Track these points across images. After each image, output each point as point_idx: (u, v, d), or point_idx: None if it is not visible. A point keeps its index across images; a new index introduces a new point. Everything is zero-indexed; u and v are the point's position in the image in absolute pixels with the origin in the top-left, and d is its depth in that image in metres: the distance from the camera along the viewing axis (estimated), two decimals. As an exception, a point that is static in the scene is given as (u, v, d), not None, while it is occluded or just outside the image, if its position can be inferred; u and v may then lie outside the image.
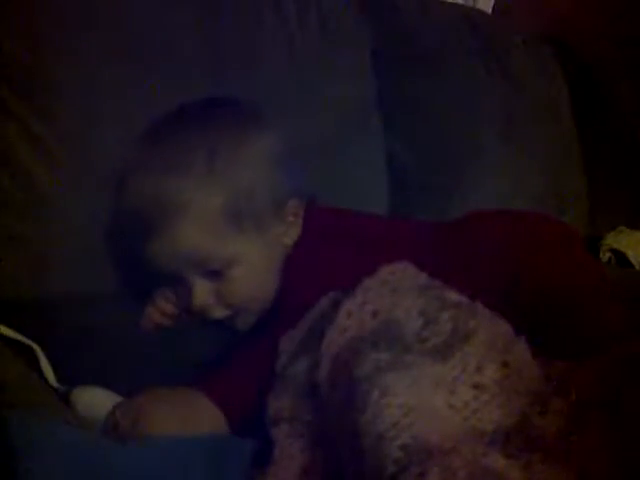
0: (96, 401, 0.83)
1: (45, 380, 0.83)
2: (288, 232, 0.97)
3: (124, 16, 1.07)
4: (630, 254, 1.53)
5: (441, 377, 0.65)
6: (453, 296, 0.73)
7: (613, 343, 0.70)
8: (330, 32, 1.34)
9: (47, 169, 0.97)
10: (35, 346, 0.83)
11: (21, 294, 0.95)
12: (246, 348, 0.90)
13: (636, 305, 0.96)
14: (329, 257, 0.94)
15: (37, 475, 0.62)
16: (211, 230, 0.89)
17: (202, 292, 0.91)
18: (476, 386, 0.66)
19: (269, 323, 0.93)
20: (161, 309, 0.96)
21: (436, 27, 1.54)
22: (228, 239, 0.90)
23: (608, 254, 1.57)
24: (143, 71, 1.06)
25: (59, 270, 0.97)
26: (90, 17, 1.03)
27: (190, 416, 0.81)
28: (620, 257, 1.56)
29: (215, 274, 0.90)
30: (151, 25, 1.09)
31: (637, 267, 1.54)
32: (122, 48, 1.05)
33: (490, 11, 2.14)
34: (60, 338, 0.89)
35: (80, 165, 0.99)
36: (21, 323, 0.85)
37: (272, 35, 1.25)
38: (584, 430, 0.60)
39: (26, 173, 0.96)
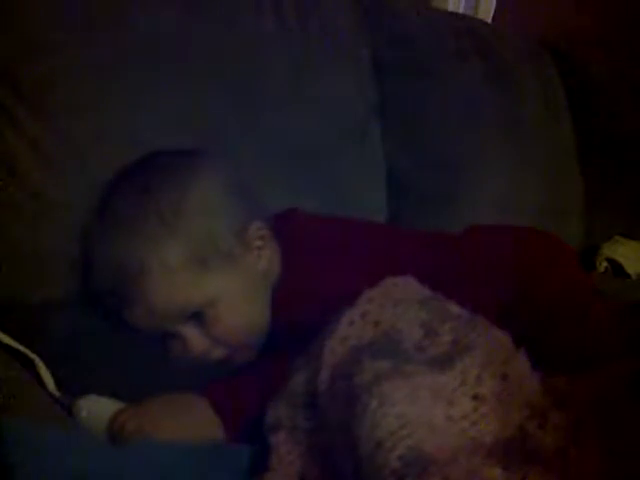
0: (101, 410, 0.82)
1: (43, 387, 0.82)
2: (261, 256, 0.97)
3: (126, 20, 1.07)
4: (626, 264, 1.54)
5: (440, 388, 0.66)
6: (454, 308, 0.73)
7: (612, 358, 0.71)
8: (330, 37, 1.34)
9: (45, 171, 0.97)
10: (34, 356, 0.82)
11: (18, 297, 0.95)
12: (252, 364, 0.92)
13: (632, 315, 0.97)
14: (321, 272, 0.94)
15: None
16: (181, 281, 0.90)
17: (196, 340, 0.92)
18: (475, 398, 0.66)
19: (274, 342, 0.94)
20: None
21: (436, 34, 1.55)
22: (200, 282, 0.91)
23: (604, 264, 1.57)
24: (143, 73, 1.06)
25: (57, 273, 0.97)
26: (92, 21, 1.04)
27: (188, 421, 0.82)
28: (616, 267, 1.57)
29: (199, 318, 0.91)
30: (150, 28, 1.09)
31: (633, 277, 1.54)
32: (123, 51, 1.05)
33: (490, 20, 2.16)
34: (58, 342, 0.89)
35: (79, 168, 0.99)
36: (18, 326, 0.85)
37: (272, 40, 1.25)
38: (582, 445, 0.60)
39: (24, 175, 0.96)
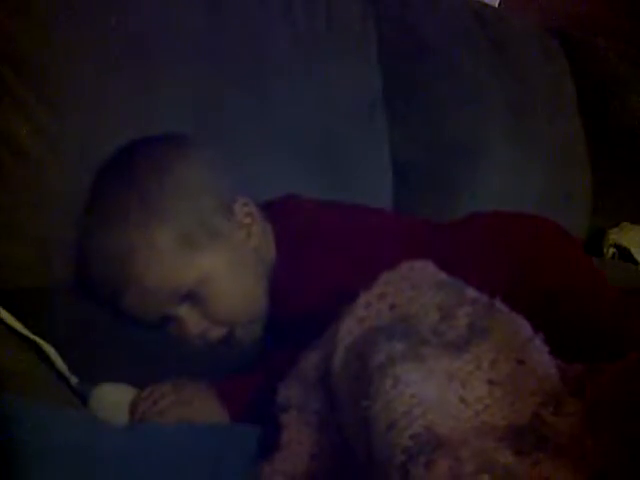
0: (120, 398, 0.83)
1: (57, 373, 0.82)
2: (250, 233, 0.97)
3: (135, 9, 1.07)
4: (634, 250, 1.54)
5: (455, 371, 0.66)
6: (471, 292, 0.74)
7: (629, 348, 0.71)
8: (336, 27, 1.34)
9: (52, 158, 0.97)
10: (42, 342, 0.82)
11: (25, 283, 0.95)
12: (262, 354, 0.93)
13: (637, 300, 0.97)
14: (319, 259, 0.94)
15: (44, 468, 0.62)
16: (171, 261, 0.90)
17: (193, 321, 0.92)
18: (490, 382, 0.66)
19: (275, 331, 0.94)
20: None
21: (443, 22, 1.54)
22: (190, 261, 0.91)
23: (612, 250, 1.58)
24: (148, 62, 1.07)
25: (62, 257, 0.97)
26: (102, 11, 1.04)
27: (191, 408, 0.83)
28: (623, 253, 1.57)
29: (194, 297, 0.92)
30: (159, 18, 1.09)
31: (640, 262, 1.55)
32: (132, 41, 1.05)
33: (497, 5, 2.14)
34: (65, 327, 0.89)
35: (79, 152, 0.99)
36: (26, 312, 0.85)
37: (278, 25, 1.25)
38: (597, 434, 0.61)
39: (32, 162, 0.96)
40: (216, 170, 0.98)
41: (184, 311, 0.92)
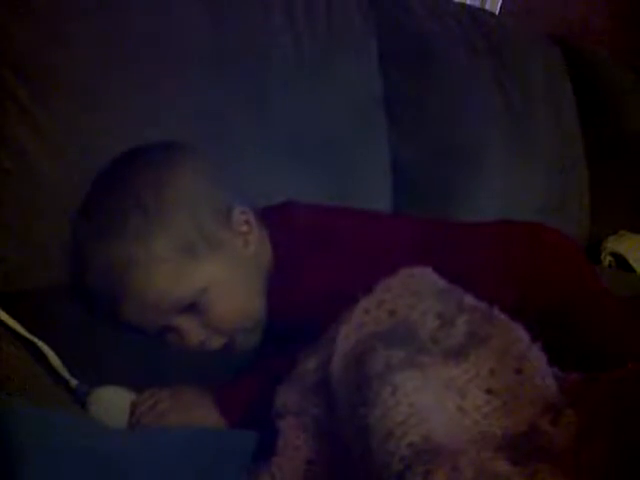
0: (120, 401, 0.83)
1: (55, 375, 0.82)
2: (248, 241, 0.97)
3: (132, 8, 1.07)
4: (631, 258, 1.55)
5: (453, 379, 0.66)
6: (470, 300, 0.74)
7: (628, 357, 0.71)
8: (337, 31, 1.34)
9: (53, 161, 0.97)
10: (41, 344, 0.81)
11: (25, 285, 0.95)
12: (260, 359, 0.92)
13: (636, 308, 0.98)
14: (319, 262, 0.94)
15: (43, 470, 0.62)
16: (171, 272, 0.90)
17: (192, 330, 0.92)
18: (488, 391, 0.66)
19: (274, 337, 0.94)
20: None
21: (444, 27, 1.55)
22: (190, 271, 0.90)
23: (609, 258, 1.58)
24: (151, 66, 1.07)
25: (62, 261, 0.96)
26: (103, 13, 1.03)
27: (189, 413, 0.83)
28: (621, 261, 1.57)
29: (193, 307, 0.91)
30: (157, 19, 1.09)
31: (638, 271, 1.55)
32: (133, 44, 1.05)
33: (497, 11, 2.15)
34: (65, 329, 0.88)
35: (81, 153, 0.99)
36: (25, 314, 0.84)
37: (280, 33, 1.25)
38: (594, 444, 0.61)
39: (27, 161, 0.96)
40: (214, 178, 0.97)
41: (184, 321, 0.91)
